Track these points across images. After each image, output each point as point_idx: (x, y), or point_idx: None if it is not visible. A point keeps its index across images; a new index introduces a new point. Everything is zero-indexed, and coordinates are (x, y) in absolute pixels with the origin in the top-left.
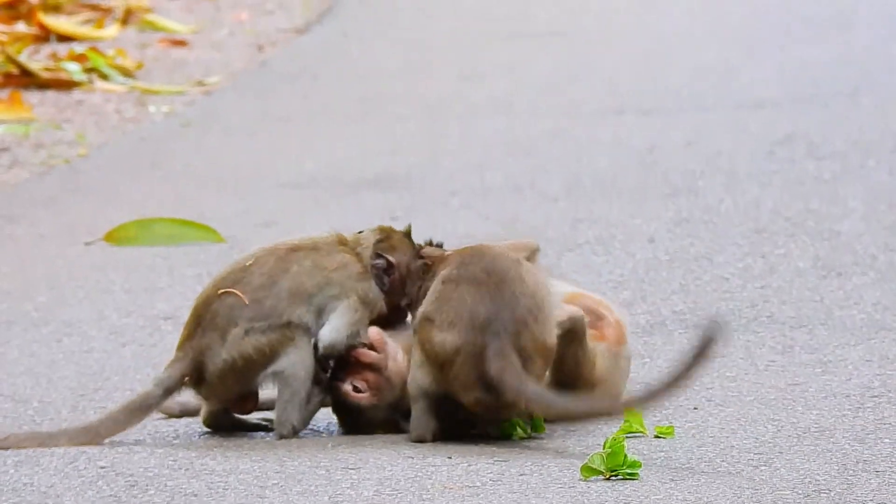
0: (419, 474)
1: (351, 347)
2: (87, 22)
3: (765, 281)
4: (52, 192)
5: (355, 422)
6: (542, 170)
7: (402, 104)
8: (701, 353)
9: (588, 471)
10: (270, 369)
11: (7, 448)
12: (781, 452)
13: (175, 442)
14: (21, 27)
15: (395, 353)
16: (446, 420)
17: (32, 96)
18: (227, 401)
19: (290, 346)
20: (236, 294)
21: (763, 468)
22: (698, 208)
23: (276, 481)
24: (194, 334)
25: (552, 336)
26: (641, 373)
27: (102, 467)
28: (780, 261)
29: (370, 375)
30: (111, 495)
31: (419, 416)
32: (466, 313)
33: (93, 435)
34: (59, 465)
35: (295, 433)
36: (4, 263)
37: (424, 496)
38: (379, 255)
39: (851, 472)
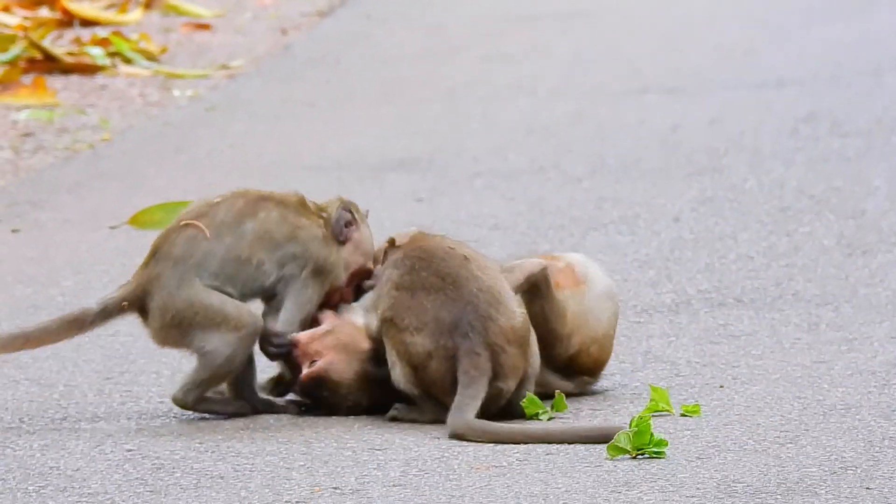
0: (445, 455)
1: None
2: (111, 6)
3: (790, 259)
4: (76, 176)
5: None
6: (566, 151)
7: (426, 87)
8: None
9: (614, 450)
10: (205, 338)
11: None
12: (807, 430)
13: (201, 424)
14: (44, 12)
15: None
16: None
17: (56, 81)
18: (165, 343)
19: (233, 331)
20: (198, 226)
21: (789, 446)
22: (722, 187)
23: (302, 463)
24: (149, 263)
25: (518, 319)
26: (668, 351)
27: (129, 450)
28: (805, 239)
29: (318, 345)
30: (137, 478)
31: (421, 406)
32: (431, 319)
33: (23, 341)
34: (86, 449)
35: (184, 406)
36: (30, 248)
37: (451, 476)
38: (345, 209)
39: (877, 448)
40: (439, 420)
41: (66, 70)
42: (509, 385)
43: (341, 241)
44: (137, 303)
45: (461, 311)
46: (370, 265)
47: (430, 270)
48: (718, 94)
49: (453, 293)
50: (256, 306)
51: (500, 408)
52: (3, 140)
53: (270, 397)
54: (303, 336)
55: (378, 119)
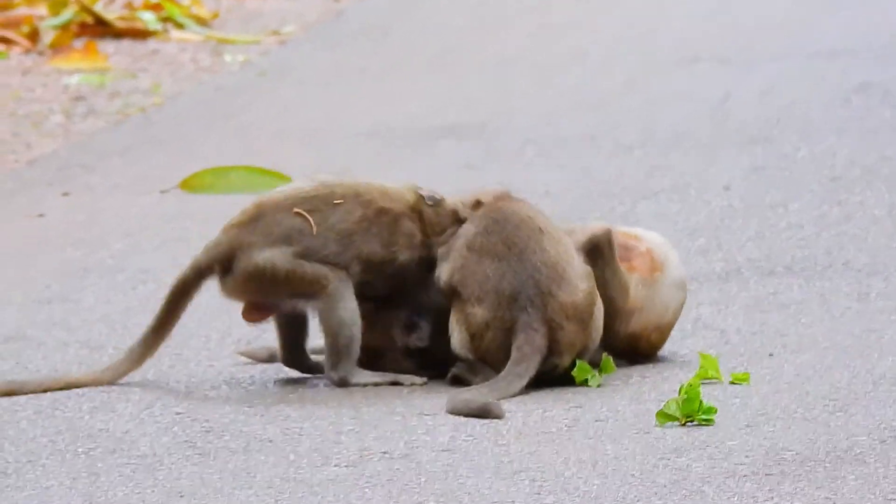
0: (494, 420)
1: None
2: None
3: (840, 228)
4: (127, 141)
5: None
6: (617, 120)
7: (477, 55)
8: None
9: (663, 416)
10: (299, 300)
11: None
12: (857, 399)
13: (251, 388)
14: None
15: None
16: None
17: (108, 46)
18: (241, 299)
19: (323, 294)
20: (309, 221)
21: (839, 414)
22: (773, 157)
23: (351, 427)
24: (246, 225)
25: (580, 295)
26: (717, 319)
27: (178, 413)
28: (856, 208)
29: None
30: (186, 441)
31: (481, 373)
32: (492, 290)
33: (150, 346)
34: (135, 412)
35: (342, 383)
36: (80, 212)
37: (500, 442)
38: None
39: None
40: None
41: (118, 35)
42: (564, 361)
43: (435, 203)
44: (224, 263)
45: (522, 283)
46: None
47: (501, 236)
48: (770, 64)
49: (517, 264)
50: None
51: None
52: (54, 104)
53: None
54: None
55: (429, 86)
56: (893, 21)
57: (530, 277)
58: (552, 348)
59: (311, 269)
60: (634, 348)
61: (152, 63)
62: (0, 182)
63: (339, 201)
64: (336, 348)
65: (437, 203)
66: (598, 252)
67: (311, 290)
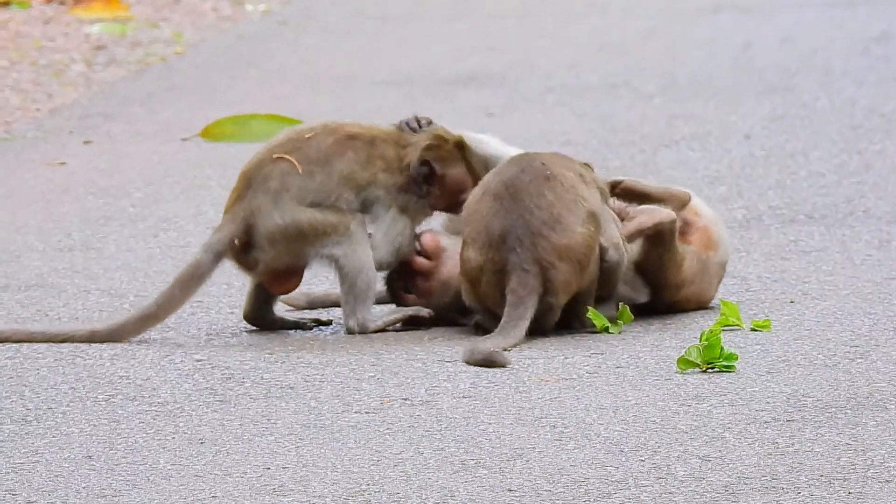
0: (515, 367)
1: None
2: None
3: (860, 177)
4: (148, 89)
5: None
6: (638, 68)
7: (498, 5)
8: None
9: (684, 363)
10: (324, 250)
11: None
12: (878, 345)
13: (271, 335)
14: None
15: (452, 256)
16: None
17: None
18: (272, 272)
19: (345, 236)
20: (290, 161)
21: (859, 360)
22: (794, 105)
23: (372, 374)
24: (244, 196)
25: (575, 238)
26: (738, 266)
27: (198, 360)
28: (876, 157)
29: (419, 281)
30: (207, 388)
31: (484, 320)
32: (483, 229)
33: (153, 319)
34: (155, 358)
35: (362, 329)
36: (101, 160)
37: (521, 388)
38: (423, 162)
39: None
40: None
41: None
42: (559, 300)
43: (421, 196)
44: (244, 237)
45: (512, 223)
46: (466, 196)
47: (503, 177)
48: (790, 13)
49: (509, 204)
50: None
51: (553, 321)
52: (75, 53)
53: (283, 317)
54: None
55: (450, 34)
56: None
57: (520, 218)
58: (546, 288)
59: (331, 215)
60: (679, 306)
61: (174, 12)
62: (22, 131)
63: (309, 135)
64: (355, 293)
65: (418, 127)
66: (661, 239)
67: (335, 233)
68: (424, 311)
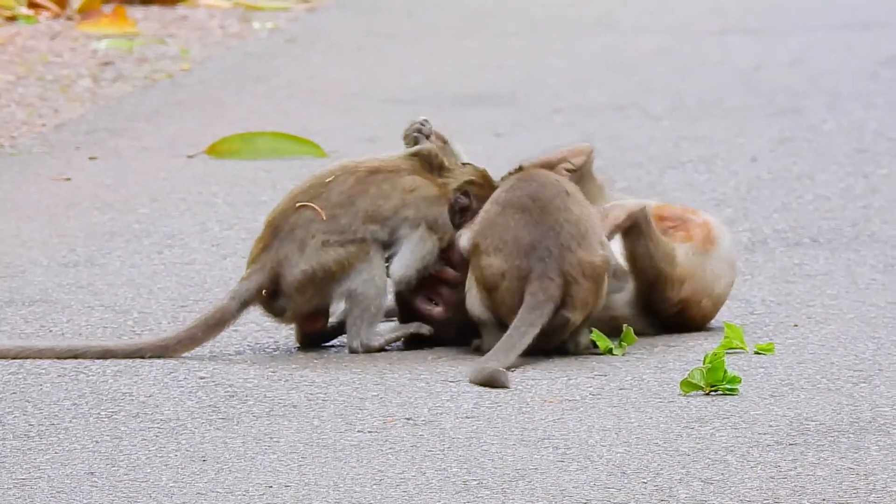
0: (519, 387)
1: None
2: None
3: (867, 200)
4: (155, 105)
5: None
6: (646, 88)
7: (507, 22)
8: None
9: (688, 386)
10: (345, 285)
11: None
12: (881, 370)
13: (275, 353)
14: None
15: None
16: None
17: (137, 11)
18: (300, 316)
19: (365, 262)
20: (314, 208)
21: (863, 385)
22: (801, 128)
23: (375, 393)
24: (271, 246)
25: (597, 258)
26: (743, 289)
27: (202, 377)
28: (883, 181)
29: (446, 290)
30: (210, 405)
31: (488, 338)
32: (511, 239)
33: (170, 351)
34: (159, 375)
35: (366, 349)
36: (107, 176)
37: (524, 409)
38: (465, 193)
39: None
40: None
41: (147, 0)
42: (576, 317)
43: (457, 226)
44: (271, 287)
45: (542, 235)
46: None
47: (526, 191)
48: (800, 35)
49: (538, 216)
50: None
51: (563, 339)
52: (82, 68)
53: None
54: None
55: (459, 52)
56: None
57: (551, 229)
58: (566, 301)
59: (352, 246)
60: (687, 314)
61: (181, 29)
62: (28, 145)
63: (329, 179)
64: (366, 317)
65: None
66: (638, 228)
67: (357, 262)
68: (425, 329)
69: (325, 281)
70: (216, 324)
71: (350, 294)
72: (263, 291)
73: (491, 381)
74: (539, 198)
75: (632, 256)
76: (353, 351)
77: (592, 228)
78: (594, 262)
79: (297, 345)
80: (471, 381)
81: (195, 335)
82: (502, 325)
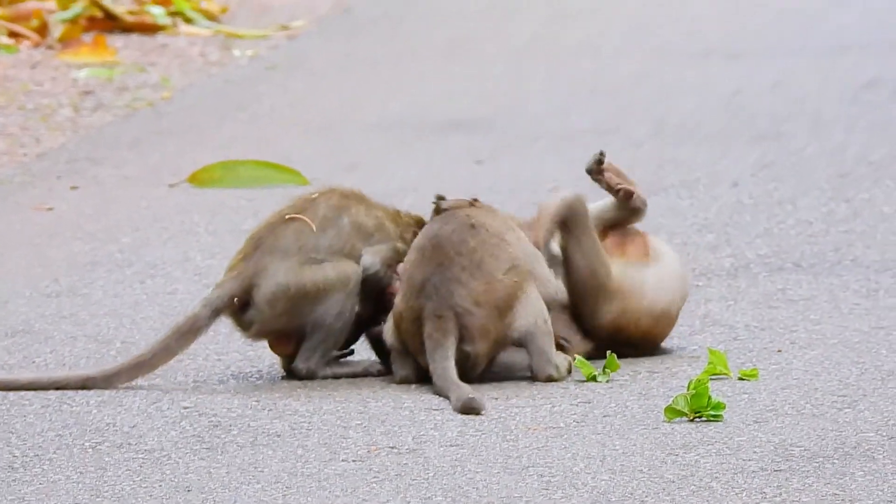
0: (503, 415)
1: (386, 284)
2: None
3: (849, 225)
4: (136, 134)
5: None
6: (628, 113)
7: (488, 47)
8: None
9: (672, 412)
10: (318, 310)
11: (71, 388)
12: (865, 395)
13: (258, 383)
14: None
15: None
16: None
17: (117, 40)
18: (268, 333)
19: (340, 291)
20: (304, 220)
21: (847, 410)
22: (783, 152)
23: (359, 422)
24: (251, 256)
25: (496, 284)
26: (726, 315)
27: (186, 407)
28: (864, 205)
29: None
30: (194, 435)
31: (396, 364)
32: (406, 279)
33: (147, 367)
34: (142, 406)
35: (310, 375)
36: (89, 205)
37: (508, 437)
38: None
39: None
40: (408, 380)
41: (127, 29)
42: (477, 348)
43: None
44: (244, 297)
45: (431, 272)
46: None
47: (428, 230)
48: (780, 59)
49: (430, 253)
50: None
51: (477, 371)
52: (63, 98)
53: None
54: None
55: (439, 78)
56: None
57: (439, 265)
58: (462, 334)
59: (332, 269)
60: (622, 332)
61: (161, 57)
62: (9, 175)
63: (315, 195)
64: (322, 345)
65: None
66: (573, 218)
67: (334, 290)
68: (374, 370)
69: (298, 300)
70: (188, 331)
71: (318, 320)
72: (235, 299)
73: (468, 408)
74: (436, 235)
75: (567, 255)
76: (297, 370)
77: (491, 255)
78: (489, 289)
79: (283, 373)
80: (456, 411)
81: (169, 345)
82: (410, 354)
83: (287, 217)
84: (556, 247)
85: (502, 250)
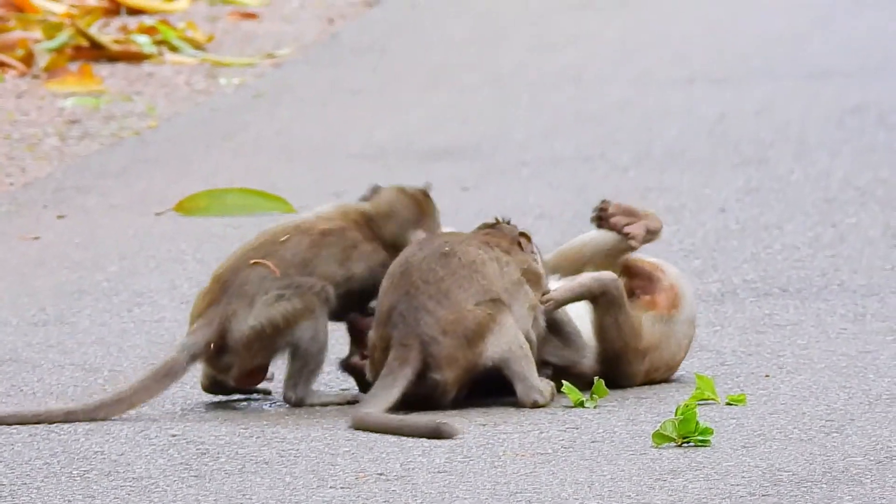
0: (491, 441)
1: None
2: None
3: (835, 250)
4: (122, 162)
5: (365, 384)
6: (613, 140)
7: (472, 75)
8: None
9: (660, 437)
10: (293, 338)
11: (47, 423)
12: (853, 419)
13: (246, 410)
14: (91, 0)
15: None
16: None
17: (103, 69)
18: (246, 372)
19: (310, 319)
20: (268, 266)
21: (835, 435)
22: (768, 177)
23: (347, 449)
24: (219, 301)
25: (464, 313)
26: (713, 340)
27: (174, 435)
28: (851, 230)
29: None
30: (182, 463)
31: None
32: (377, 307)
33: (127, 404)
34: (130, 434)
35: (298, 403)
36: (76, 234)
37: (496, 463)
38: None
39: None
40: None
41: (113, 58)
42: (445, 376)
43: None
44: (219, 342)
45: (398, 300)
46: None
47: (401, 256)
48: (765, 84)
49: (398, 280)
50: None
51: (448, 399)
52: (49, 127)
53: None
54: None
55: (424, 106)
56: (887, 42)
57: (406, 293)
58: (429, 363)
59: (298, 302)
60: (649, 379)
61: (147, 86)
62: None
63: (284, 238)
64: (304, 370)
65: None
66: (608, 297)
67: (303, 318)
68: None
69: (272, 336)
70: (166, 375)
71: (294, 348)
72: (211, 345)
73: (359, 427)
74: (406, 262)
75: (601, 328)
76: (286, 400)
77: (460, 285)
78: (458, 318)
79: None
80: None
81: (149, 385)
82: None
83: (252, 262)
84: (562, 314)
85: (474, 282)
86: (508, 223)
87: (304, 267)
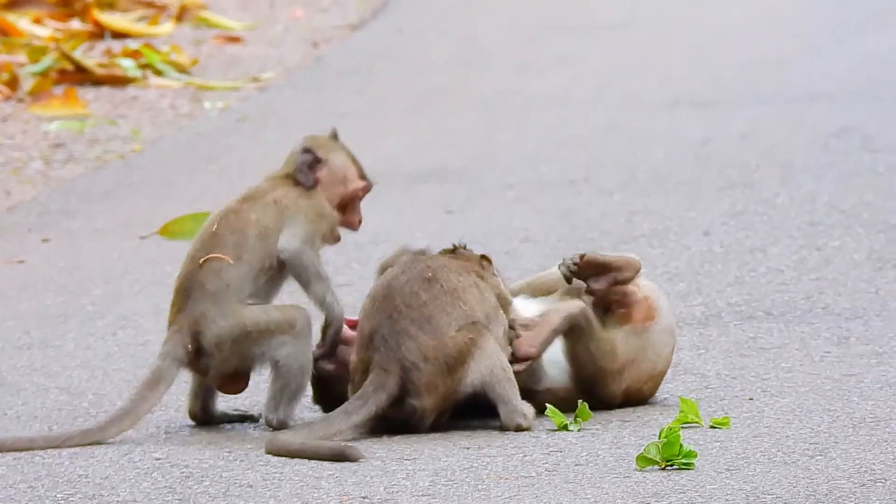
0: (475, 465)
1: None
2: (142, 19)
3: (820, 273)
4: (107, 186)
5: (326, 393)
6: (598, 163)
7: (458, 98)
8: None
9: (644, 461)
10: (270, 351)
11: (66, 447)
12: (837, 442)
13: (230, 433)
14: (76, 24)
15: None
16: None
17: (87, 92)
18: (223, 376)
19: (288, 334)
20: (219, 257)
21: (818, 458)
22: (753, 201)
23: (331, 472)
24: (185, 307)
25: (446, 340)
26: (697, 363)
27: (157, 458)
28: (835, 253)
29: (342, 348)
30: (166, 486)
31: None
32: (359, 329)
33: (131, 420)
34: (115, 457)
35: (281, 425)
36: (60, 257)
37: (480, 487)
38: (306, 150)
39: None
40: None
41: (98, 81)
42: (424, 402)
43: (311, 186)
44: (195, 344)
45: (379, 323)
46: (355, 185)
47: (384, 278)
48: (750, 108)
49: (380, 304)
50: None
51: (425, 425)
52: (34, 150)
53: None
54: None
55: (409, 130)
56: (872, 65)
57: (388, 317)
58: (408, 389)
59: (277, 311)
60: (630, 398)
61: (132, 109)
62: None
63: (214, 227)
64: (286, 392)
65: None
66: (577, 330)
67: (279, 331)
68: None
69: (241, 341)
70: (157, 382)
71: (273, 364)
72: (189, 347)
73: (277, 450)
74: (389, 284)
75: (573, 356)
76: (268, 423)
77: (442, 311)
78: (439, 345)
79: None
80: (276, 454)
81: (146, 395)
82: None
83: (201, 261)
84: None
85: (455, 307)
86: (465, 248)
87: (243, 239)
